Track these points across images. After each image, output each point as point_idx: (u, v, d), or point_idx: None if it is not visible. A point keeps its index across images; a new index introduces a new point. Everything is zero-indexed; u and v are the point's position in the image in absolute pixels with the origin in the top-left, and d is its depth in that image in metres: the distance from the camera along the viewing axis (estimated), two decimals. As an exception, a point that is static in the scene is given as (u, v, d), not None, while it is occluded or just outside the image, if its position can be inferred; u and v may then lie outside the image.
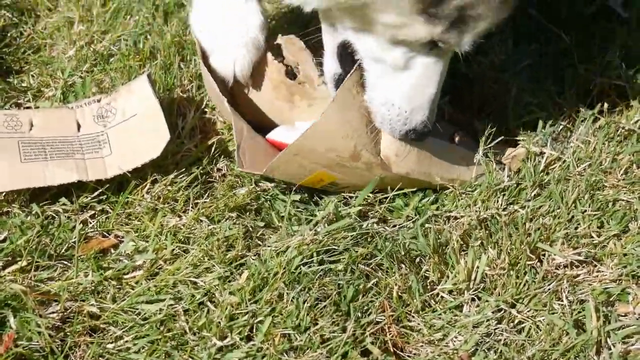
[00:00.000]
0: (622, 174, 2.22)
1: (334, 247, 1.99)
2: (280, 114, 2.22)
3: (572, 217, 2.13)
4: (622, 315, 1.94)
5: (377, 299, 1.91)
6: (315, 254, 1.95)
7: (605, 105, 2.38)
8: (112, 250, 2.00)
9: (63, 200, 2.03)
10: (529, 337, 1.89)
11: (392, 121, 2.01)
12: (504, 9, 1.86)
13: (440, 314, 1.92)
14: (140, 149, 2.00)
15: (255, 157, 2.03)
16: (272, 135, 2.18)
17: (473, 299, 1.94)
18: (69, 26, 2.50)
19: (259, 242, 2.02)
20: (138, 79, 2.08)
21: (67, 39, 2.47)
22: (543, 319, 1.91)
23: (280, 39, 2.19)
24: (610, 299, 1.97)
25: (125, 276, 1.94)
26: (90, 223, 2.04)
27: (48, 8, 2.56)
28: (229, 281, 1.92)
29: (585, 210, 2.13)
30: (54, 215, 2.02)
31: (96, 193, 2.05)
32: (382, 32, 1.88)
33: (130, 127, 2.05)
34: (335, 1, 1.85)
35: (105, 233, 2.04)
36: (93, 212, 2.05)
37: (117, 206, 2.05)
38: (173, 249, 1.98)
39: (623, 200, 2.18)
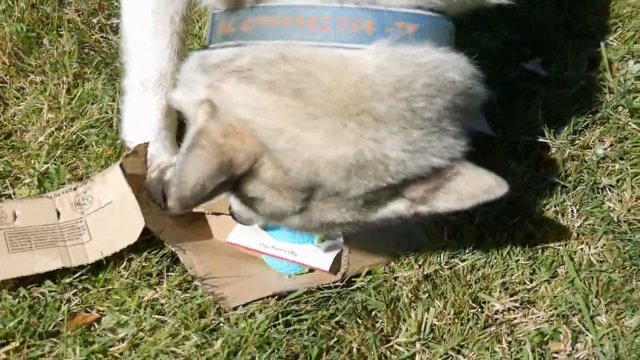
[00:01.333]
0: (548, 225, 2.49)
1: (296, 308, 2.23)
2: None
3: (507, 266, 2.39)
4: (555, 353, 2.21)
5: (340, 355, 2.14)
6: (280, 315, 2.18)
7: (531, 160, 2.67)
8: (96, 325, 2.20)
9: (48, 282, 2.22)
10: (475, 380, 2.15)
11: None
12: None
13: (394, 364, 2.17)
14: (117, 234, 2.20)
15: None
16: (234, 239, 2.41)
17: (424, 350, 2.18)
18: (37, 113, 2.69)
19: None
20: (111, 169, 2.28)
21: (37, 126, 2.66)
22: (485, 362, 2.18)
23: None
24: (545, 339, 2.23)
25: (110, 349, 2.13)
26: (74, 300, 2.22)
27: (15, 96, 2.75)
28: (205, 348, 2.13)
29: (519, 260, 2.40)
30: (41, 296, 2.21)
31: (78, 274, 2.25)
32: None
33: (106, 215, 2.25)
34: None
35: (88, 309, 2.23)
36: (75, 290, 2.25)
37: (98, 284, 2.24)
38: (152, 321, 2.18)
39: (551, 247, 2.45)
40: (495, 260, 2.39)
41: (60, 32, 2.92)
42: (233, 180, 1.74)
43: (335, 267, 2.31)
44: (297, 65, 1.71)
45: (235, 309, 2.20)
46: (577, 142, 2.76)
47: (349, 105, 1.69)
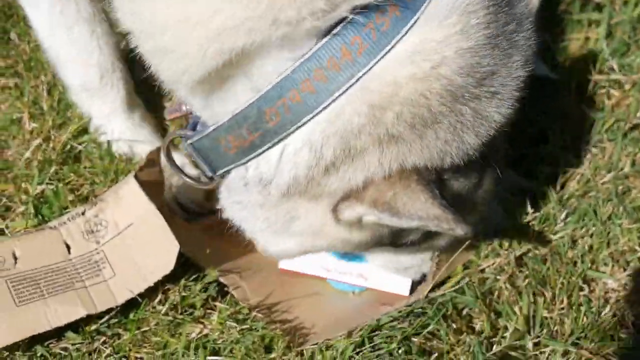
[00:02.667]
0: (647, 176, 2.12)
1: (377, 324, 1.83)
2: None
3: (610, 233, 2.01)
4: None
5: (444, 373, 1.75)
6: (366, 338, 1.78)
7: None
8: (137, 377, 1.80)
9: (69, 334, 1.80)
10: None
11: None
12: None
13: (508, 372, 1.78)
14: (147, 265, 1.79)
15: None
16: (287, 265, 1.96)
17: (540, 352, 1.80)
18: (17, 124, 2.24)
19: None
20: (125, 183, 1.86)
21: (19, 139, 2.21)
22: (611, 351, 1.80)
23: None
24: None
25: (161, 407, 1.73)
26: (105, 351, 1.81)
27: (-11, 108, 2.29)
28: (280, 390, 1.73)
29: (622, 223, 2.02)
30: (63, 352, 1.79)
31: (105, 318, 1.82)
32: None
33: (128, 241, 1.82)
34: None
35: (123, 358, 1.82)
36: (104, 337, 1.83)
37: (131, 326, 1.83)
38: (207, 364, 1.78)
39: (656, 204, 2.07)
40: (594, 229, 2.01)
41: (29, 24, 2.43)
42: None
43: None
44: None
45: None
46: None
47: None
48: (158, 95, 2.26)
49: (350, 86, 1.34)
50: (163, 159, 1.94)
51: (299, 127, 1.38)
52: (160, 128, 2.26)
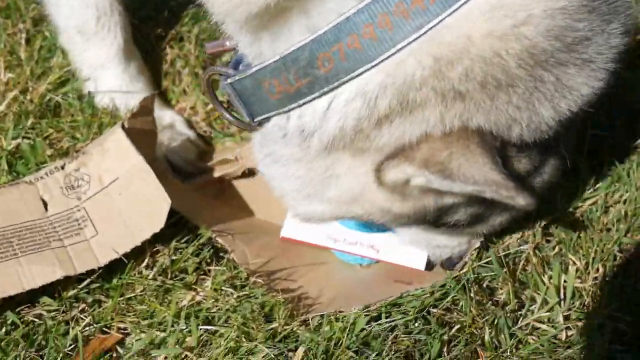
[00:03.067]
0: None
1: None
2: None
3: (643, 198, 1.83)
4: None
5: (468, 347, 1.56)
6: (383, 314, 1.59)
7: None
8: (119, 349, 1.59)
9: (45, 299, 1.61)
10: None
11: None
12: None
13: (537, 348, 1.59)
14: (135, 222, 1.59)
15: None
16: (290, 233, 1.77)
17: (573, 325, 1.61)
18: (-7, 75, 2.04)
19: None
20: (111, 134, 1.66)
21: (-5, 91, 2.01)
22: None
23: None
24: None
25: (148, 381, 1.53)
26: (84, 320, 1.61)
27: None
28: (282, 362, 1.54)
29: (659, 188, 1.83)
30: (37, 320, 1.59)
31: (85, 283, 1.63)
32: None
33: (113, 197, 1.63)
34: None
35: (104, 328, 1.62)
36: (84, 305, 1.63)
37: (114, 293, 1.63)
38: (199, 334, 1.57)
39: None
40: (628, 194, 1.82)
41: (6, -34, 2.24)
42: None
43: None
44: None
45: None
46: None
47: None
48: (156, 47, 2.08)
49: (418, 37, 1.15)
50: (157, 108, 1.76)
51: (354, 77, 1.20)
52: (156, 82, 2.07)
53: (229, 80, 1.33)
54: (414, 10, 1.13)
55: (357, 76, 1.19)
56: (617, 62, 1.26)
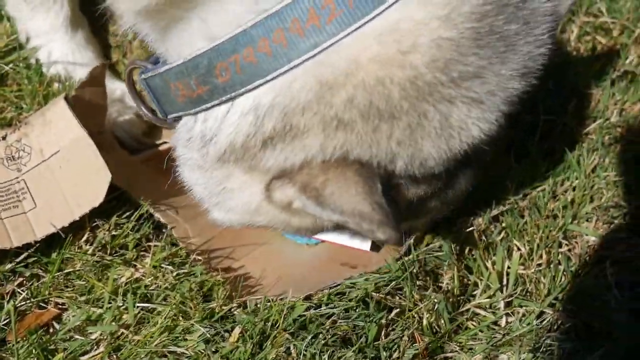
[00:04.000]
0: (638, 126, 1.92)
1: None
2: None
3: (593, 186, 1.82)
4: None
5: (405, 332, 1.55)
6: (324, 298, 1.57)
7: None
8: (56, 325, 1.57)
9: (-22, 273, 1.58)
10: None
11: None
12: None
13: (476, 333, 1.59)
14: (74, 196, 1.56)
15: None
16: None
17: (513, 311, 1.61)
18: None
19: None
20: (53, 105, 1.62)
21: None
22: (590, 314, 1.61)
23: None
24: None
25: (82, 358, 1.51)
26: (20, 294, 1.58)
27: None
28: (217, 342, 1.51)
29: (607, 176, 1.83)
30: (-30, 294, 1.57)
31: (22, 257, 1.60)
32: None
33: (54, 169, 1.59)
34: None
35: (41, 303, 1.59)
36: (21, 279, 1.60)
37: (52, 267, 1.60)
38: (136, 312, 1.55)
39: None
40: (577, 181, 1.81)
41: None
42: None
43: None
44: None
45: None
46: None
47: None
48: (107, 19, 2.03)
49: (312, 57, 1.11)
50: (107, 81, 1.73)
51: (250, 90, 1.16)
52: (105, 51, 2.03)
53: (143, 76, 1.30)
54: (309, 29, 1.09)
55: (252, 89, 1.16)
56: (512, 105, 1.19)
